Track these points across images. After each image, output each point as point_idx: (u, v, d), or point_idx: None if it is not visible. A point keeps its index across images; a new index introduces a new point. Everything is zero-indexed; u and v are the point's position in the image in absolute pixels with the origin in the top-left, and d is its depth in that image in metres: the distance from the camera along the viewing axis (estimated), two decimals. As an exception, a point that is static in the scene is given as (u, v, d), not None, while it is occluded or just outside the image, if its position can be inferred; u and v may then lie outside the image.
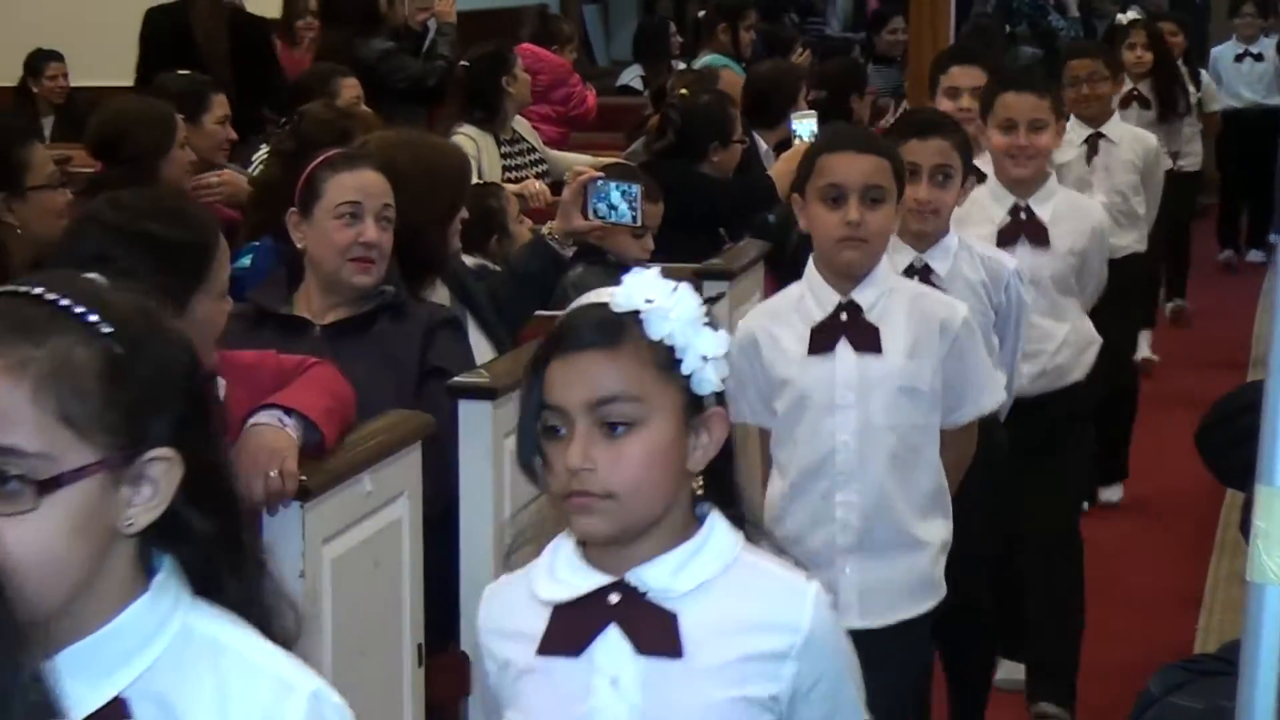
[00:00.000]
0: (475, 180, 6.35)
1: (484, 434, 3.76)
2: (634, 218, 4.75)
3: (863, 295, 3.72)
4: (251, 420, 3.21)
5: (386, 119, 5.72)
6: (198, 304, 3.11)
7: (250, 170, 5.96)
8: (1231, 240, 12.52)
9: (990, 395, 3.91)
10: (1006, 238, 4.91)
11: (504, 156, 7.01)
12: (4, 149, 4.34)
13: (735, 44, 9.37)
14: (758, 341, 3.75)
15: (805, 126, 6.83)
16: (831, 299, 3.74)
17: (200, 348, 3.10)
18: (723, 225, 6.12)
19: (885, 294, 3.74)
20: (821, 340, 3.72)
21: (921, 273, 4.33)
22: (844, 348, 3.71)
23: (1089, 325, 5.15)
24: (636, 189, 4.77)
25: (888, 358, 3.71)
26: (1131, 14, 9.13)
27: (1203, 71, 10.23)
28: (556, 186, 6.05)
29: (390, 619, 3.55)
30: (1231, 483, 3.82)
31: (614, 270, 5.15)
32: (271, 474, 3.14)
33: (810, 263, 3.80)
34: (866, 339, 3.71)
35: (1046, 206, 5.02)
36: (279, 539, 3.21)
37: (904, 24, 10.72)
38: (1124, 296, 6.38)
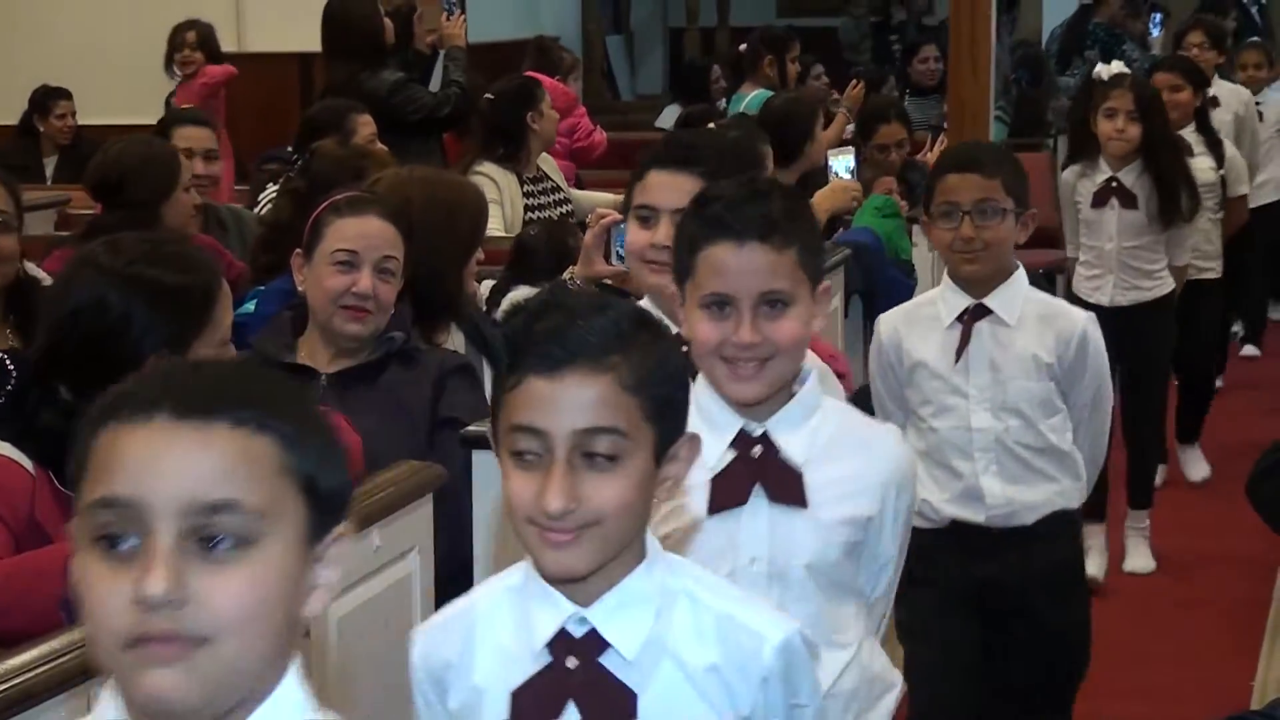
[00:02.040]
0: (497, 221, 6.26)
1: (496, 486, 3.62)
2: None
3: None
4: (254, 472, 3.08)
5: (399, 154, 5.58)
6: (198, 350, 3.03)
7: (257, 210, 5.85)
8: None
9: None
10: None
11: (526, 195, 6.82)
12: None
13: (782, 77, 9.22)
14: None
15: (842, 162, 6.70)
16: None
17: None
18: None
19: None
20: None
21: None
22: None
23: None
24: None
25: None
26: (1116, 66, 6.52)
27: (1226, 142, 7.57)
28: (580, 227, 5.93)
29: (400, 681, 3.41)
30: (1285, 534, 3.70)
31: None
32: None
33: None
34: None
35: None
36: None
37: (936, 52, 10.59)
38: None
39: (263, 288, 4.24)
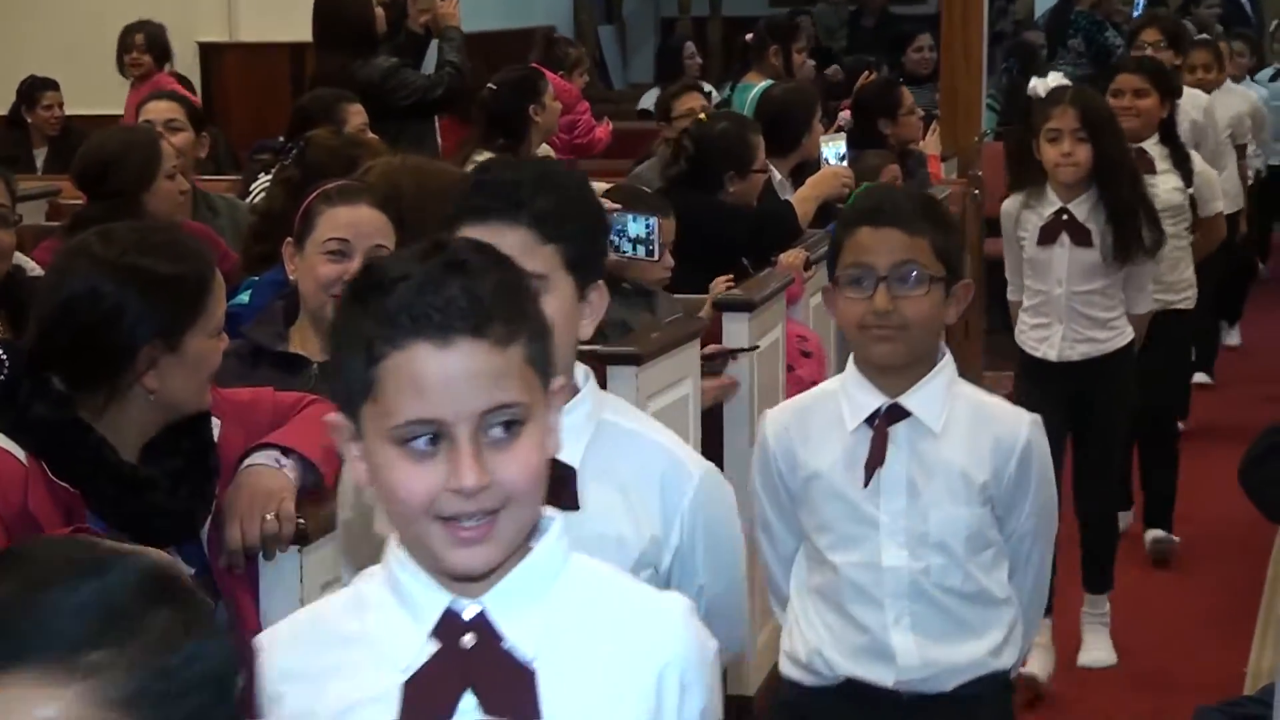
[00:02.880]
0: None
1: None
2: (650, 251, 4.63)
3: None
4: (247, 461, 3.11)
5: (393, 140, 5.57)
6: (191, 341, 3.02)
7: (251, 199, 5.85)
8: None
9: None
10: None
11: None
12: None
13: (788, 67, 9.20)
14: None
15: (833, 149, 6.68)
16: None
17: (195, 386, 3.04)
18: (744, 255, 5.87)
19: None
20: None
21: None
22: None
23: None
24: (654, 221, 4.66)
25: None
26: (1053, 78, 5.77)
27: (1194, 154, 6.69)
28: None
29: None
30: (1278, 517, 3.70)
31: (633, 297, 5.04)
32: (268, 517, 3.05)
33: None
34: None
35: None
36: (275, 585, 3.13)
37: (931, 41, 10.59)
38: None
39: (256, 279, 4.23)
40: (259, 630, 3.04)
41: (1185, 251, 6.54)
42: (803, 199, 6.38)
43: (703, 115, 6.54)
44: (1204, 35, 10.09)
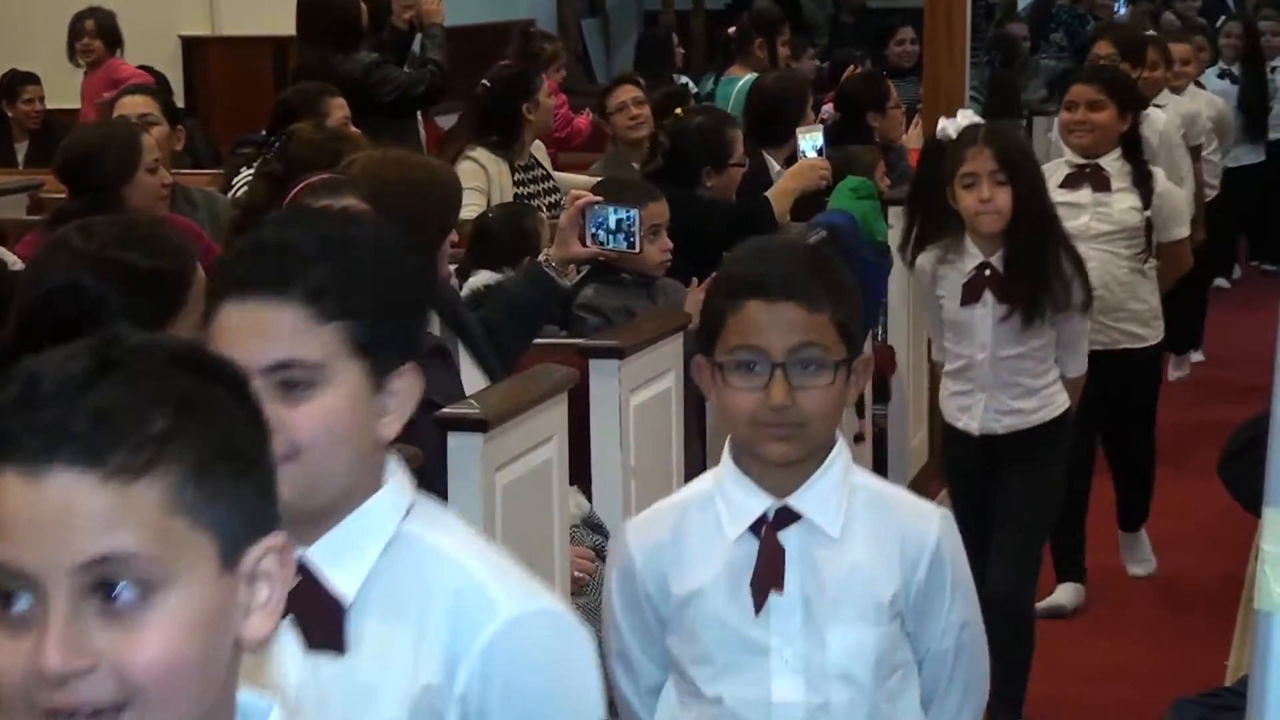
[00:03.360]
0: (480, 207, 6.26)
1: (474, 468, 3.62)
2: (631, 243, 4.62)
3: None
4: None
5: (374, 135, 5.57)
6: (173, 334, 3.00)
7: (232, 194, 5.84)
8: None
9: None
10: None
11: (517, 184, 6.78)
12: None
13: (773, 59, 9.20)
14: None
15: (810, 141, 6.68)
16: None
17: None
18: (723, 250, 5.85)
19: None
20: None
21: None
22: None
23: None
24: (635, 214, 4.65)
25: None
26: (964, 117, 4.93)
27: (1158, 174, 6.00)
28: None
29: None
30: (1258, 511, 3.71)
31: (630, 287, 5.03)
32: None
33: None
34: None
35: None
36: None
37: (913, 34, 10.59)
38: None
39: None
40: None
41: (1146, 278, 5.95)
42: (780, 192, 6.38)
43: (679, 110, 6.55)
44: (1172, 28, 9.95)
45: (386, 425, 2.00)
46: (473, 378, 4.08)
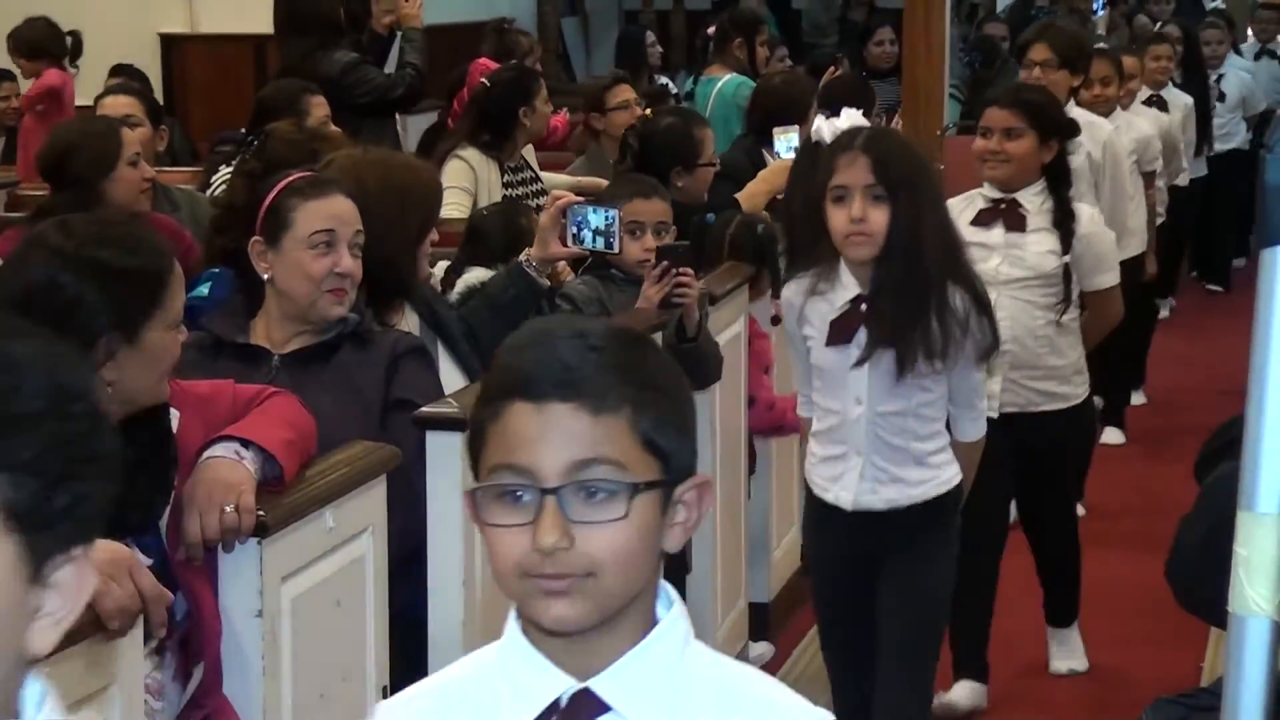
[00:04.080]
0: (465, 207, 6.26)
1: (453, 467, 3.63)
2: (610, 244, 4.61)
3: None
4: (207, 453, 3.10)
5: (352, 134, 5.57)
6: (149, 333, 3.02)
7: (211, 192, 5.84)
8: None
9: None
10: None
11: (506, 186, 6.78)
12: None
13: (751, 60, 9.20)
14: None
15: (785, 142, 6.68)
16: None
17: (153, 379, 3.03)
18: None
19: None
20: None
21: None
22: None
23: None
24: (615, 214, 4.64)
25: None
26: (846, 118, 4.08)
27: (1084, 212, 5.28)
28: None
29: (353, 661, 3.42)
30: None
31: (617, 283, 5.02)
32: (227, 509, 3.03)
33: None
34: None
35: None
36: (235, 577, 3.13)
37: (891, 35, 10.60)
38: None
39: (216, 270, 4.23)
40: (217, 621, 3.06)
41: (1066, 330, 5.24)
42: (751, 194, 6.38)
43: (649, 111, 6.55)
44: (1108, 43, 9.32)
45: (40, 635, 1.38)
46: (451, 377, 4.09)
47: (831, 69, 9.09)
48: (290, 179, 3.84)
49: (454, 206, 6.21)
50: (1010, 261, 5.14)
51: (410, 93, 7.49)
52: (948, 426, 4.11)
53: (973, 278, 4.04)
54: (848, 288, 4.00)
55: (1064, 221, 5.11)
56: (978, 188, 5.24)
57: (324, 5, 7.50)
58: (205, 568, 3.09)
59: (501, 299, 4.45)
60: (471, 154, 6.71)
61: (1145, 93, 8.72)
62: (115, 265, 3.00)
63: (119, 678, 2.75)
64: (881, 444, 4.01)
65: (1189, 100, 9.64)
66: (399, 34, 7.86)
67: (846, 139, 3.97)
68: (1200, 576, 2.57)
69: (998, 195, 5.18)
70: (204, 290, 4.14)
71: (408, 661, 3.53)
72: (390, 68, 7.71)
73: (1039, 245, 5.12)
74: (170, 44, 11.16)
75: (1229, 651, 1.71)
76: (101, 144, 5.11)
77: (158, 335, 3.02)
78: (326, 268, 3.71)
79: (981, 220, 5.16)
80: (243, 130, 6.17)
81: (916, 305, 3.91)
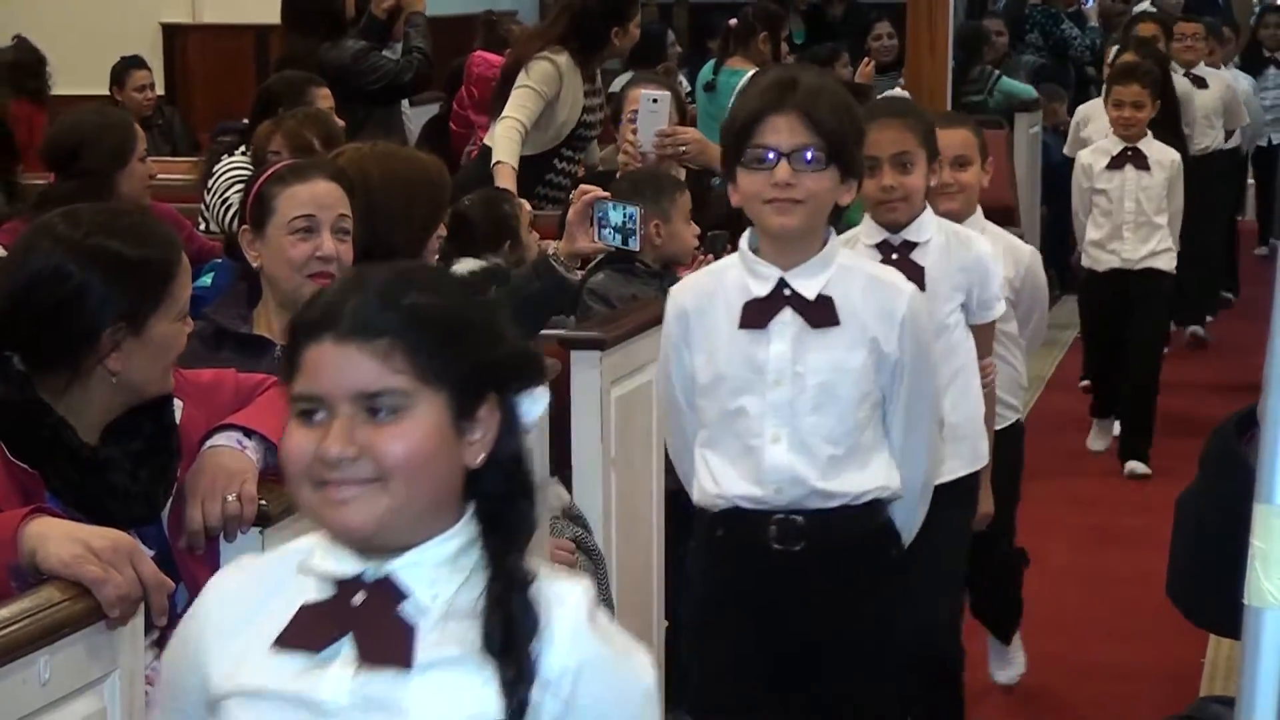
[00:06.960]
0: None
1: None
2: (628, 240, 4.58)
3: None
4: (209, 442, 3.09)
5: (359, 124, 5.57)
6: (156, 324, 3.02)
7: (213, 182, 5.84)
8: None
9: None
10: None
11: (585, 96, 6.84)
12: None
13: (776, 55, 9.18)
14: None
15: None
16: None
17: (158, 370, 3.03)
18: None
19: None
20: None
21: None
22: None
23: None
24: (635, 211, 4.59)
25: None
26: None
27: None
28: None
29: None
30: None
31: (643, 276, 5.01)
32: (229, 498, 3.03)
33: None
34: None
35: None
36: (237, 568, 3.09)
37: (890, 29, 10.59)
38: None
39: (219, 259, 4.23)
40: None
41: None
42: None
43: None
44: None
45: None
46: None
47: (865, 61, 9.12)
48: (276, 166, 3.84)
49: (523, 110, 6.45)
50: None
51: (419, 77, 7.59)
52: None
53: None
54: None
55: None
56: None
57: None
58: (207, 557, 3.09)
59: (528, 292, 4.43)
60: (564, 59, 6.73)
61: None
62: (123, 255, 2.99)
63: (120, 665, 2.75)
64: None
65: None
66: (400, 18, 7.88)
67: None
68: (1200, 599, 2.52)
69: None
70: (207, 280, 4.14)
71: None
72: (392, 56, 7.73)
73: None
74: (172, 34, 11.15)
75: (1245, 644, 1.71)
76: (119, 137, 5.13)
77: (164, 326, 3.02)
78: (307, 252, 3.71)
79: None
80: (244, 120, 6.18)
81: None
